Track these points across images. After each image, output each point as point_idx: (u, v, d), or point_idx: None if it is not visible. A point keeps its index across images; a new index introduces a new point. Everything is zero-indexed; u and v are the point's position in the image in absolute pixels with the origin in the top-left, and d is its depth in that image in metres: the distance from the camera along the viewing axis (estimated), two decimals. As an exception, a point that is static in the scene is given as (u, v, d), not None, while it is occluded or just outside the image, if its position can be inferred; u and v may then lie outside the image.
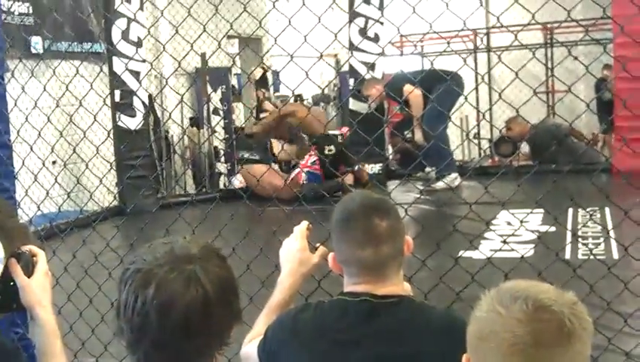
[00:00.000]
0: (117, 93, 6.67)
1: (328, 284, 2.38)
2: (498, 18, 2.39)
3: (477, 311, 1.25)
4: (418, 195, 3.04)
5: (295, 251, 2.07)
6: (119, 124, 6.48)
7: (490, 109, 3.46)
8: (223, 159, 8.38)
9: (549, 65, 9.61)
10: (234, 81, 9.44)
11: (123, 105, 6.64)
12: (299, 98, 8.56)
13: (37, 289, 1.82)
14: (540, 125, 7.65)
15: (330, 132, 7.41)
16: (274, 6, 2.61)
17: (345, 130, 8.71)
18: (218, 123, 8.49)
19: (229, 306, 1.42)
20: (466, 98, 2.68)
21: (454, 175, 6.22)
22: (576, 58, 7.27)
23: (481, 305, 1.25)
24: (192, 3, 2.97)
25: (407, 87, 6.45)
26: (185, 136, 8.83)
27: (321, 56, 2.87)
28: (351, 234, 1.79)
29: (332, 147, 7.12)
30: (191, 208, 3.36)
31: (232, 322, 1.44)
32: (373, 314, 1.76)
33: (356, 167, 6.94)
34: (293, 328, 1.85)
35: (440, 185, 5.78)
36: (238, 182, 7.50)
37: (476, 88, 9.07)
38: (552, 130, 7.22)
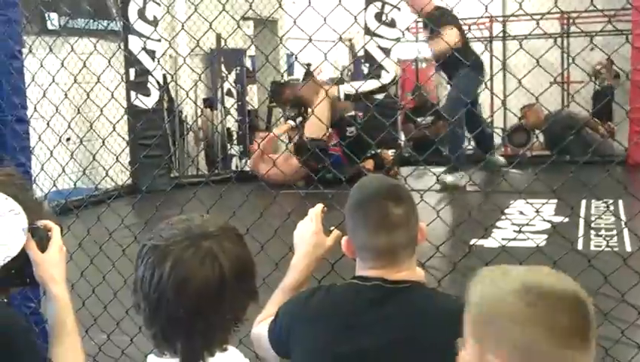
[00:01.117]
0: (132, 71, 6.67)
1: (341, 268, 2.38)
2: (520, 5, 2.37)
3: (474, 298, 1.23)
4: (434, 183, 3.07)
5: (309, 233, 2.07)
6: (134, 102, 6.49)
7: (504, 99, 3.44)
8: (236, 141, 8.39)
9: (566, 52, 9.53)
10: (248, 63, 9.42)
11: (138, 84, 6.65)
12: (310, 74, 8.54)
13: (51, 264, 1.83)
14: (557, 115, 7.60)
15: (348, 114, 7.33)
16: (294, -13, 2.58)
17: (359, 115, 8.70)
18: (233, 105, 8.49)
19: (245, 284, 1.42)
20: (485, 85, 2.65)
21: (462, 173, 5.68)
22: (593, 48, 7.20)
23: (478, 290, 1.23)
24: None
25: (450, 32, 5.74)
26: (203, 116, 8.83)
27: (340, 38, 2.85)
28: (365, 220, 1.78)
29: (353, 128, 7.08)
30: (205, 188, 3.35)
31: (248, 300, 1.45)
32: (385, 299, 1.76)
33: (375, 151, 6.86)
34: (304, 310, 1.85)
35: (450, 179, 5.43)
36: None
37: (491, 77, 9.01)
38: (568, 120, 7.16)
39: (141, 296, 1.39)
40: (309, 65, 8.09)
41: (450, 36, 5.56)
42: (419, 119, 8.41)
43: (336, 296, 1.83)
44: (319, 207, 2.12)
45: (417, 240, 1.83)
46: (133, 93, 6.60)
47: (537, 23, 2.42)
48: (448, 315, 1.74)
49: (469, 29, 3.58)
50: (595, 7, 2.44)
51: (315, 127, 6.58)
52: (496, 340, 1.16)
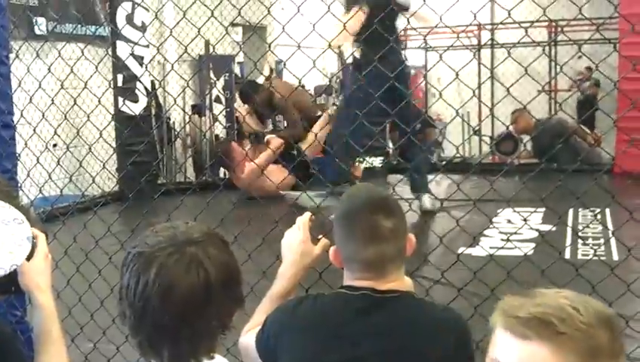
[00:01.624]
0: (120, 77, 6.65)
1: (329, 276, 2.37)
2: (509, 13, 2.37)
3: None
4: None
5: (297, 242, 2.06)
6: (121, 108, 6.46)
7: (492, 107, 3.44)
8: (224, 147, 8.35)
9: (553, 61, 9.59)
10: (237, 70, 9.41)
11: (126, 90, 6.63)
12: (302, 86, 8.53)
13: (36, 272, 1.81)
14: (546, 122, 7.62)
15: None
16: (283, -6, 2.59)
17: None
18: (221, 112, 8.47)
19: (231, 291, 1.41)
20: (474, 93, 2.66)
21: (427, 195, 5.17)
22: (581, 56, 7.21)
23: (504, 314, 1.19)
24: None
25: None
26: (190, 123, 8.81)
27: (329, 45, 2.84)
28: (354, 232, 1.78)
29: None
30: (192, 195, 3.34)
31: (234, 307, 1.44)
32: (373, 309, 1.75)
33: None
34: (291, 319, 1.84)
35: (427, 204, 4.80)
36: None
37: (479, 85, 9.06)
38: (558, 128, 7.17)
39: (126, 304, 1.38)
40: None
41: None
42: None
43: (324, 306, 1.82)
44: (307, 215, 2.11)
45: (406, 252, 1.82)
46: (120, 99, 6.57)
47: (526, 31, 2.42)
48: (436, 324, 1.74)
49: (457, 36, 3.58)
50: (583, 15, 2.43)
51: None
52: None
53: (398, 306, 1.76)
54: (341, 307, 1.78)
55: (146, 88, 6.93)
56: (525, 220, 3.10)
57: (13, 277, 1.80)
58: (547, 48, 9.64)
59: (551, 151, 5.15)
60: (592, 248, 4.27)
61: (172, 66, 3.53)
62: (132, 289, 1.36)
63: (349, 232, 1.79)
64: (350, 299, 1.77)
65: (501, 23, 9.52)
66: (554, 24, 9.20)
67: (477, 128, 9.81)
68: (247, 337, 1.97)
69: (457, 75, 2.68)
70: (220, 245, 1.43)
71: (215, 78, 8.55)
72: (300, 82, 3.13)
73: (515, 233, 4.31)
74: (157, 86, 8.08)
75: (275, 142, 6.62)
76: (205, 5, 2.79)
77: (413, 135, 4.58)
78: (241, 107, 6.90)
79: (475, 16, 2.51)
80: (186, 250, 1.36)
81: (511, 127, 7.87)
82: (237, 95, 6.71)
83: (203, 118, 8.62)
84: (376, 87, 3.52)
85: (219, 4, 2.97)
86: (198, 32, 2.81)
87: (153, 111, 7.56)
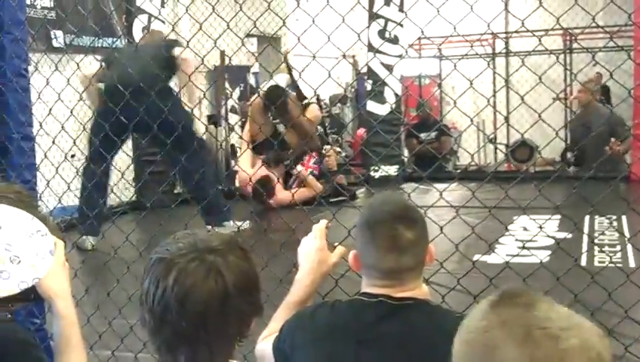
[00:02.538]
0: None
1: (346, 284, 2.39)
2: (523, 22, 2.38)
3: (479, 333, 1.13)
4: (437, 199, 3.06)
5: (314, 250, 2.07)
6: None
7: (507, 115, 3.45)
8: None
9: (568, 69, 9.56)
10: (252, 80, 9.46)
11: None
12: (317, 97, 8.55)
13: (53, 279, 1.83)
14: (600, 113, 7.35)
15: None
16: (298, 5, 2.62)
17: (362, 131, 8.73)
18: (237, 122, 8.52)
19: (249, 299, 1.43)
20: (488, 101, 2.66)
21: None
22: (596, 64, 7.17)
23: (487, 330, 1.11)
24: (216, 2, 2.98)
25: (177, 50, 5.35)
26: (207, 133, 8.84)
27: (344, 56, 2.87)
28: (375, 240, 1.79)
29: (327, 146, 7.15)
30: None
31: (252, 315, 1.45)
32: (389, 316, 1.76)
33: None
34: (309, 325, 1.86)
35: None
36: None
37: (494, 93, 9.04)
38: (610, 126, 6.96)
39: (146, 309, 1.40)
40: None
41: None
42: (423, 135, 8.43)
43: (341, 312, 1.83)
44: (323, 223, 2.13)
45: (425, 262, 1.83)
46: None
47: (539, 40, 2.43)
48: (452, 332, 1.75)
49: (472, 46, 3.59)
50: (596, 23, 2.44)
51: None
52: None
53: (414, 314, 1.77)
54: (358, 314, 1.80)
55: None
56: (541, 227, 3.09)
57: (32, 285, 1.82)
58: (562, 56, 9.62)
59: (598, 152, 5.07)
60: (608, 255, 4.25)
61: (189, 77, 3.55)
62: (152, 294, 1.38)
63: (370, 240, 1.80)
64: (367, 305, 1.79)
65: (515, 32, 9.52)
66: (568, 32, 9.19)
67: (492, 136, 9.79)
68: (264, 344, 1.99)
69: (472, 83, 2.70)
70: (240, 253, 1.45)
71: (231, 89, 8.61)
72: (315, 93, 3.15)
73: (531, 240, 4.31)
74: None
75: (315, 185, 6.58)
76: (221, 17, 2.82)
77: None
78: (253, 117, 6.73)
79: (488, 26, 2.52)
80: (205, 256, 1.38)
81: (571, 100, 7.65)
82: (256, 101, 6.60)
83: (219, 128, 8.67)
84: None
85: (234, 15, 3.01)
86: (215, 43, 2.83)
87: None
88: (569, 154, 7.47)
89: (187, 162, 3.84)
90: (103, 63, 5.08)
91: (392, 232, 1.77)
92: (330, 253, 2.08)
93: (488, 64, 2.79)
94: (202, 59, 2.95)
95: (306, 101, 6.64)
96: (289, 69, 6.57)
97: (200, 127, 5.42)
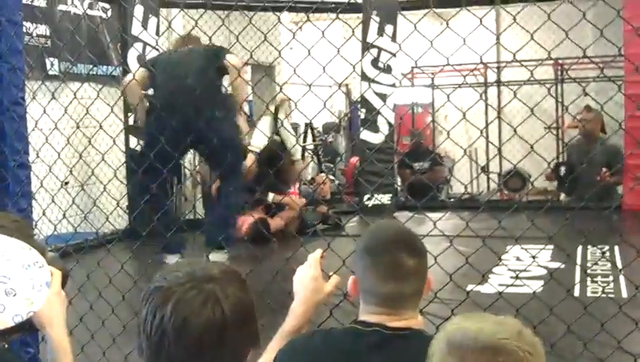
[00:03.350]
0: (131, 117, 6.72)
1: (340, 314, 2.39)
2: (514, 55, 2.42)
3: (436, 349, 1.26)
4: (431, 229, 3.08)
5: (309, 279, 2.08)
6: (133, 147, 6.53)
7: (500, 146, 3.48)
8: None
9: (560, 102, 9.64)
10: (246, 108, 9.49)
11: (137, 129, 6.69)
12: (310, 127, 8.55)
13: (48, 309, 1.83)
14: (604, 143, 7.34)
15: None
16: (294, 36, 2.66)
17: (355, 159, 8.76)
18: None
19: (246, 329, 1.43)
20: (481, 133, 2.69)
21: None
22: (586, 94, 7.22)
23: (434, 352, 1.26)
24: (215, 30, 3.02)
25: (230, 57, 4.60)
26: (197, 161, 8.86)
27: (340, 86, 2.91)
28: (376, 266, 1.80)
29: (322, 174, 7.19)
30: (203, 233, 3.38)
31: (249, 345, 1.46)
32: (383, 345, 1.76)
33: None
34: (302, 353, 1.86)
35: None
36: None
37: (486, 123, 9.11)
38: (610, 155, 6.87)
39: (143, 338, 1.40)
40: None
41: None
42: (416, 164, 8.45)
43: (334, 340, 1.83)
44: (318, 252, 2.14)
45: (423, 293, 1.84)
46: (132, 138, 6.64)
47: (532, 73, 2.47)
48: None
49: (464, 78, 3.67)
50: (586, 56, 2.47)
51: None
52: None
53: (408, 344, 1.77)
54: (351, 342, 1.80)
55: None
56: (534, 257, 3.11)
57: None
58: (553, 87, 9.70)
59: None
60: (600, 285, 4.27)
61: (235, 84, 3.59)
62: (149, 322, 1.38)
63: (372, 266, 1.81)
64: (361, 334, 1.79)
65: (506, 62, 9.60)
66: (560, 62, 9.27)
67: (484, 166, 9.83)
68: None
69: (464, 115, 2.73)
70: (238, 283, 1.46)
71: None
72: (310, 122, 3.18)
73: (524, 270, 4.32)
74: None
75: (294, 202, 6.58)
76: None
77: None
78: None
79: (481, 59, 2.56)
80: (203, 286, 1.39)
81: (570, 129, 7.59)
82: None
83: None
84: None
85: (232, 45, 3.04)
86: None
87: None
88: (562, 169, 7.40)
89: (231, 174, 3.86)
90: (144, 70, 4.79)
91: (394, 259, 1.78)
92: (325, 282, 2.08)
93: (481, 96, 2.81)
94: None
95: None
96: (276, 110, 6.52)
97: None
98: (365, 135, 7.66)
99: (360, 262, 1.84)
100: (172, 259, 4.20)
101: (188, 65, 4.48)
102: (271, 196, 6.47)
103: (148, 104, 4.75)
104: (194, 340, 1.36)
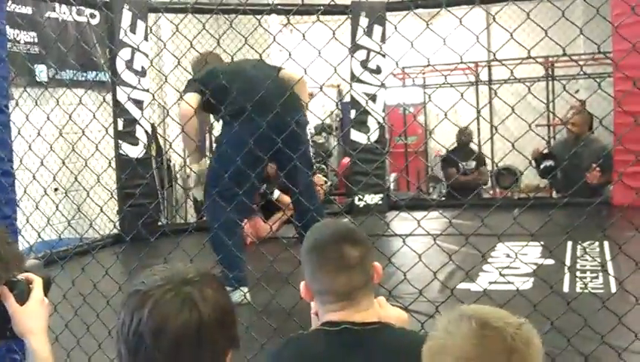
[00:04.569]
0: (120, 121, 6.72)
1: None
2: (494, 54, 2.43)
3: (432, 331, 1.32)
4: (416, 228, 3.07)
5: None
6: (121, 152, 6.53)
7: (493, 143, 3.49)
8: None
9: (550, 98, 9.66)
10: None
11: (125, 134, 6.70)
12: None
13: (29, 317, 1.83)
14: (590, 141, 7.28)
15: None
16: (274, 39, 2.66)
17: (347, 160, 8.76)
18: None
19: (225, 331, 1.43)
20: (470, 129, 2.67)
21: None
22: (576, 92, 7.22)
23: (436, 325, 1.31)
24: (196, 34, 3.02)
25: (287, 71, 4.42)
26: (187, 166, 8.86)
27: (321, 88, 2.92)
28: (324, 263, 1.83)
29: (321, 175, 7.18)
30: (190, 237, 3.37)
31: (228, 348, 1.45)
32: (356, 343, 1.78)
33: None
34: None
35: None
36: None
37: (477, 121, 9.11)
38: (599, 152, 6.84)
39: (121, 341, 1.41)
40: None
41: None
42: (463, 163, 8.32)
43: (307, 346, 1.84)
44: None
45: (373, 280, 1.87)
46: (121, 143, 6.64)
47: (512, 72, 2.47)
48: (418, 352, 1.76)
49: (445, 78, 3.68)
50: (565, 53, 2.48)
51: None
52: None
53: (380, 338, 1.79)
54: (324, 345, 1.81)
55: (146, 131, 7.01)
56: (517, 254, 3.12)
57: (7, 322, 1.82)
58: (544, 83, 9.73)
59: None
60: (590, 281, 4.28)
61: (167, 111, 3.59)
62: (127, 325, 1.39)
63: (319, 264, 1.83)
64: (330, 335, 1.80)
65: (490, 61, 9.61)
66: (550, 60, 9.30)
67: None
68: None
69: (446, 114, 2.73)
70: (216, 286, 1.46)
71: (214, 120, 8.63)
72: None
73: (508, 267, 4.34)
74: (157, 129, 8.16)
75: (284, 200, 6.55)
76: (199, 52, 2.86)
77: None
78: None
79: (461, 58, 2.57)
80: (181, 289, 1.39)
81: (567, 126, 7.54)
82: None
83: (203, 160, 8.67)
84: None
85: (213, 49, 3.05)
86: (193, 77, 2.86)
87: (153, 154, 7.63)
88: (549, 162, 7.37)
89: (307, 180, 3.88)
90: (196, 94, 4.28)
91: (338, 252, 1.81)
92: None
93: (462, 95, 2.81)
94: (181, 95, 2.97)
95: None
96: None
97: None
98: (355, 135, 7.67)
99: (307, 264, 1.87)
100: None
101: (262, 73, 4.21)
102: (276, 193, 6.48)
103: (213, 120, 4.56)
104: (171, 342, 1.36)
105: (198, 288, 1.40)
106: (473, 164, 8.39)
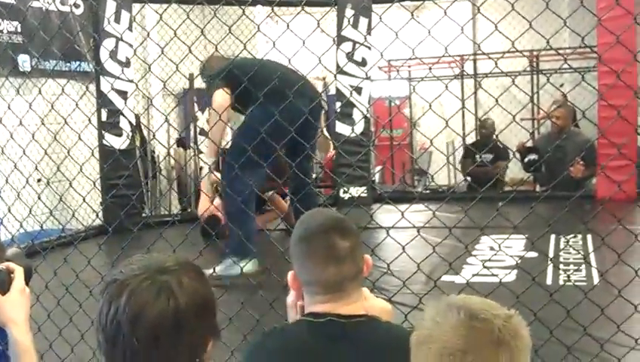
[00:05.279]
0: (103, 112, 6.68)
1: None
2: (479, 45, 2.43)
3: (419, 321, 1.32)
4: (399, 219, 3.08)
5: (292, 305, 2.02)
6: (104, 143, 6.49)
7: (477, 135, 3.49)
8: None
9: (534, 92, 9.69)
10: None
11: (109, 125, 6.66)
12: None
13: (9, 306, 1.82)
14: (575, 135, 7.28)
15: None
16: (258, 29, 2.64)
17: (332, 153, 8.75)
18: (204, 143, 8.50)
19: (203, 319, 1.42)
20: (447, 123, 2.68)
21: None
22: (562, 85, 7.24)
23: (424, 314, 1.32)
24: (180, 23, 3.00)
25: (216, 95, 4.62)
26: (170, 157, 8.84)
27: (304, 76, 2.90)
28: (312, 252, 1.81)
29: None
30: (174, 228, 3.36)
31: (207, 336, 1.45)
32: (340, 335, 1.77)
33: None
34: (261, 354, 1.85)
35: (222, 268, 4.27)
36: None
37: (462, 114, 9.14)
38: (583, 146, 6.88)
39: (100, 331, 1.40)
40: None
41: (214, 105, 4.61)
42: (482, 156, 8.26)
43: (291, 337, 1.83)
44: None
45: (363, 272, 1.86)
46: (104, 133, 6.60)
47: (496, 63, 2.47)
48: (404, 347, 1.75)
49: (430, 69, 3.67)
50: (550, 46, 2.49)
51: None
52: None
53: (365, 331, 1.78)
54: (307, 336, 1.80)
55: (129, 122, 6.97)
56: (500, 247, 3.13)
57: None
58: (529, 77, 9.76)
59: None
60: (573, 273, 4.30)
61: (150, 101, 3.56)
62: (104, 315, 1.38)
63: (308, 254, 1.81)
64: (315, 326, 1.79)
65: (478, 53, 9.63)
66: (535, 53, 9.32)
67: (456, 155, 9.84)
68: None
69: (430, 106, 2.73)
70: (194, 275, 1.45)
71: (199, 111, 8.61)
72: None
73: (490, 259, 4.36)
74: (140, 119, 8.12)
75: (279, 205, 6.51)
76: (184, 43, 2.84)
77: None
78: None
79: (446, 50, 2.56)
80: (157, 277, 1.39)
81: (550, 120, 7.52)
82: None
83: (188, 151, 8.66)
84: None
85: (196, 40, 3.03)
86: (177, 68, 2.85)
87: (137, 145, 7.60)
88: (532, 156, 7.37)
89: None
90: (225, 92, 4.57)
91: (328, 243, 1.79)
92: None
93: (446, 87, 2.81)
94: (164, 84, 2.95)
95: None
96: None
97: None
98: (340, 127, 7.66)
99: (296, 254, 1.85)
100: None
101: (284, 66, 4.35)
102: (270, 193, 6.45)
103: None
104: (148, 331, 1.36)
105: (176, 276, 1.40)
106: (490, 156, 8.32)
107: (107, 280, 1.43)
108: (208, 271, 3.93)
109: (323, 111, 4.14)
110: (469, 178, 8.32)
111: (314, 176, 8.89)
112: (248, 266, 4.24)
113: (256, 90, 3.76)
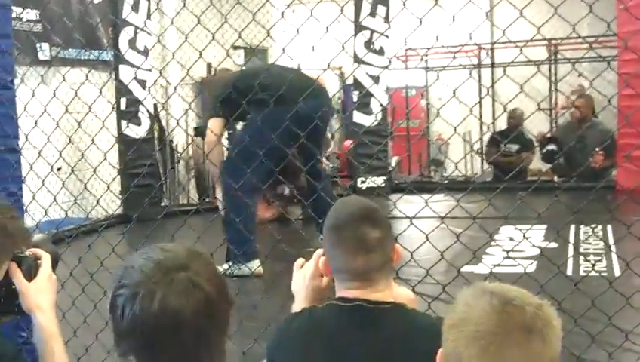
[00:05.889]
0: (123, 101, 6.70)
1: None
2: (504, 32, 2.41)
3: (452, 305, 1.33)
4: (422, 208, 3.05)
5: (306, 279, 2.02)
6: (125, 132, 6.51)
7: (494, 126, 3.47)
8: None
9: (552, 82, 9.62)
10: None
11: (129, 114, 6.68)
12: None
13: (36, 293, 1.83)
14: (594, 126, 7.21)
15: None
16: (282, 16, 2.64)
17: (349, 142, 8.76)
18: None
19: (226, 298, 1.42)
20: (471, 110, 2.65)
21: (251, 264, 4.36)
22: (580, 75, 7.20)
23: (457, 299, 1.32)
24: (201, 13, 3.00)
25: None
26: (189, 146, 8.85)
27: (328, 66, 2.90)
28: (342, 242, 1.81)
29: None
30: (196, 216, 3.37)
31: (230, 310, 1.43)
32: (367, 321, 1.78)
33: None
34: (287, 333, 1.87)
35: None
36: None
37: (480, 103, 9.09)
38: (602, 137, 6.76)
39: (130, 336, 1.33)
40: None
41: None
42: (508, 145, 8.17)
43: (318, 318, 1.84)
44: (320, 252, 2.06)
45: (393, 261, 1.86)
46: (124, 123, 6.63)
47: (521, 50, 2.46)
48: (429, 336, 1.75)
49: (454, 56, 3.64)
50: (577, 34, 2.47)
51: None
52: None
53: (391, 318, 1.78)
54: (334, 319, 1.81)
55: (148, 111, 6.99)
56: (524, 236, 3.12)
57: (15, 298, 1.82)
58: (547, 67, 9.69)
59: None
60: (593, 264, 4.28)
61: (175, 89, 3.57)
62: (138, 330, 1.32)
63: (338, 243, 1.82)
64: (343, 310, 1.80)
65: (497, 42, 9.57)
66: (553, 42, 9.25)
67: (475, 145, 9.80)
68: None
69: (454, 93, 2.72)
70: (204, 260, 1.41)
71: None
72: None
73: (512, 250, 4.35)
74: (160, 109, 8.13)
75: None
76: (207, 29, 2.84)
77: None
78: None
79: (470, 36, 2.55)
80: (179, 275, 1.34)
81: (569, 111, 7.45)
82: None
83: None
84: None
85: (220, 27, 3.03)
86: (200, 55, 2.85)
87: (156, 134, 7.62)
88: (551, 146, 7.31)
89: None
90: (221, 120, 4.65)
91: (357, 233, 1.80)
92: (321, 278, 2.04)
93: (470, 73, 2.78)
94: (188, 72, 2.95)
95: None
96: None
97: None
98: (358, 117, 7.65)
99: (327, 242, 1.86)
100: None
101: (292, 71, 4.49)
102: (286, 190, 6.45)
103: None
104: (192, 329, 1.32)
105: (193, 268, 1.37)
106: (516, 146, 8.26)
107: (123, 292, 1.34)
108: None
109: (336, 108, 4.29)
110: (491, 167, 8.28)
111: (331, 166, 8.91)
112: (255, 266, 4.28)
113: (259, 96, 3.90)
